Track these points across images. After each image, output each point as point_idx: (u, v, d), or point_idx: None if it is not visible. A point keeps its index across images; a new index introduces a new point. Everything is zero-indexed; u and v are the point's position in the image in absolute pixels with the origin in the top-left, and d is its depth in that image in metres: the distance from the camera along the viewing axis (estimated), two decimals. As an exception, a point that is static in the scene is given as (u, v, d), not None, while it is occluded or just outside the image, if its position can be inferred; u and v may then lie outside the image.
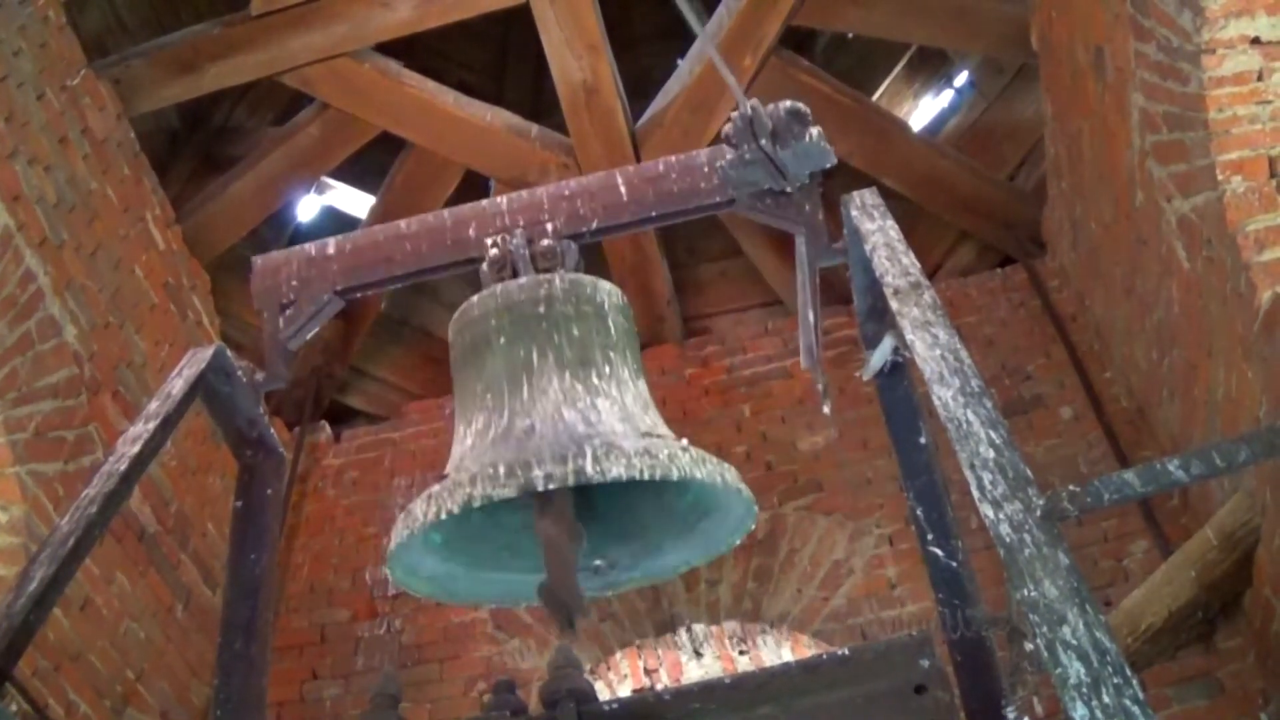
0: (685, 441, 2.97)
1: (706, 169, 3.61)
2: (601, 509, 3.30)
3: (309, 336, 3.75)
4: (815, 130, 3.45)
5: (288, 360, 3.63)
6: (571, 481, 2.73)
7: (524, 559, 3.20)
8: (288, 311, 3.68)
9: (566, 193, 3.69)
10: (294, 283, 3.71)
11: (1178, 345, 6.49)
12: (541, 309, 3.31)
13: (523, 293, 3.36)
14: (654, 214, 3.65)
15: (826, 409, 4.24)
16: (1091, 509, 2.23)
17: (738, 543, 3.28)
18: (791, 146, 3.43)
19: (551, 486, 2.73)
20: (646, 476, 2.76)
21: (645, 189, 3.66)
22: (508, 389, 3.17)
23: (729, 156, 3.53)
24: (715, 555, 3.34)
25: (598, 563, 3.31)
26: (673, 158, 3.72)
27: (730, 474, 2.94)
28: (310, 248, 3.80)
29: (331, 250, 3.77)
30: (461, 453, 3.16)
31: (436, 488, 2.84)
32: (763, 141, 3.42)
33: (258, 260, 3.81)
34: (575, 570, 2.94)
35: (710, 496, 3.13)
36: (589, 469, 2.73)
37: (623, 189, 3.67)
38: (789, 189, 3.48)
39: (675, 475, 2.80)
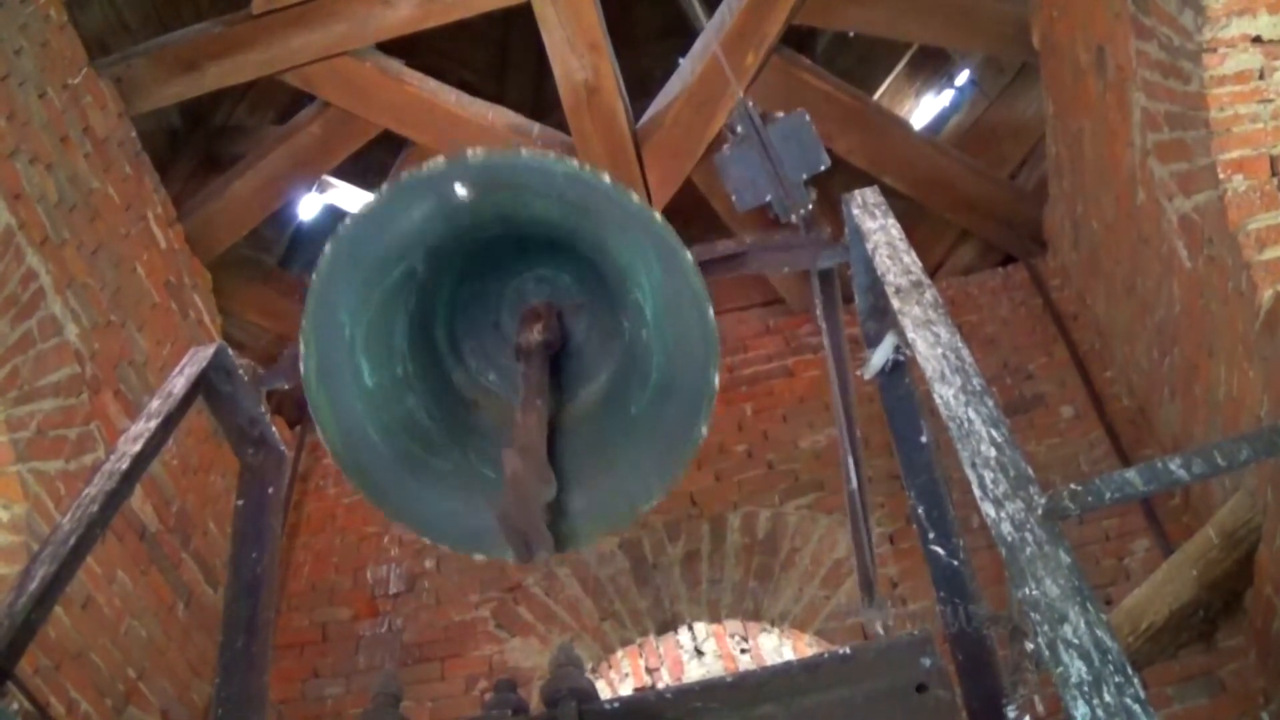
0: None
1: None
2: (568, 447, 3.32)
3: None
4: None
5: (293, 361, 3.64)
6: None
7: (487, 495, 3.19)
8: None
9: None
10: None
11: (1179, 344, 6.49)
12: None
13: None
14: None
15: (880, 628, 4.15)
16: (1093, 508, 2.23)
17: (705, 432, 3.20)
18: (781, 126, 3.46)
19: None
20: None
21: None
22: None
23: (725, 149, 3.56)
24: (687, 457, 3.29)
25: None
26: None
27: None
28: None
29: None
30: None
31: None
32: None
33: None
34: (538, 502, 2.94)
35: (672, 371, 3.14)
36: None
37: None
38: (794, 219, 3.50)
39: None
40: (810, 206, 3.52)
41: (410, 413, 3.33)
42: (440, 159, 3.01)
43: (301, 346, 3.11)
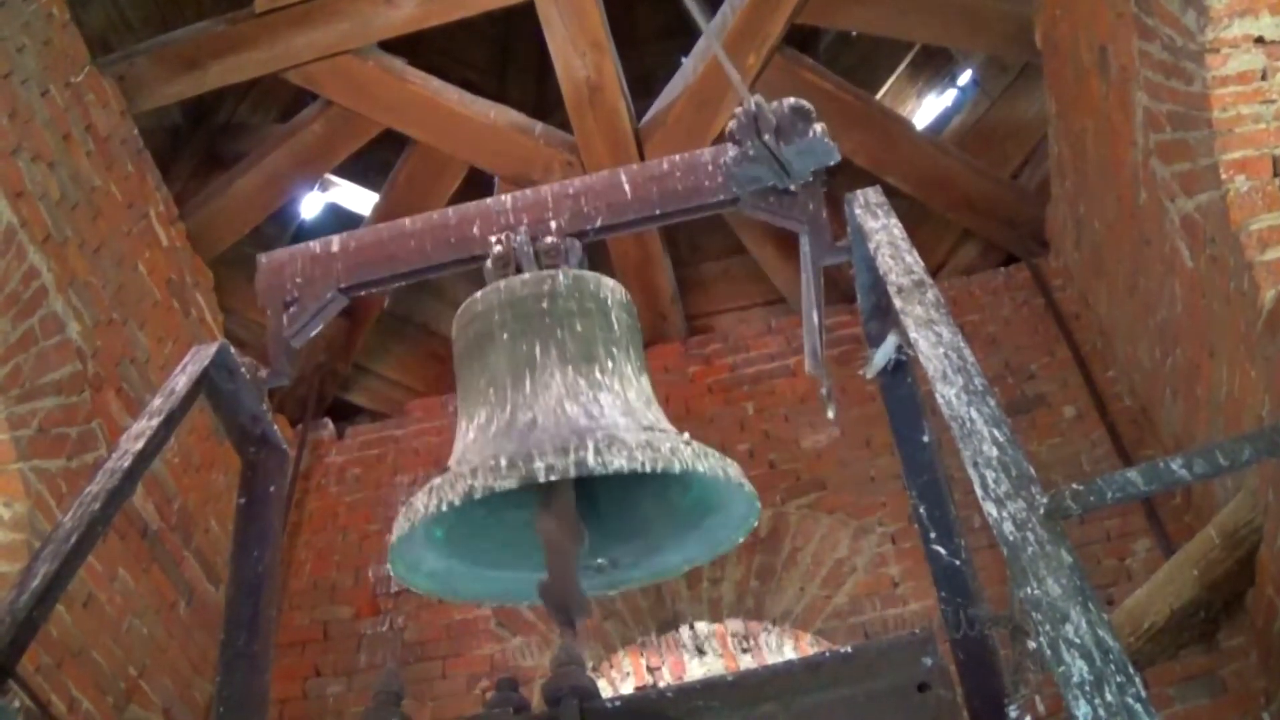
0: (687, 435, 2.96)
1: (710, 167, 3.61)
2: (604, 507, 3.31)
3: (312, 334, 3.75)
4: (819, 127, 3.45)
5: (291, 357, 3.64)
6: (573, 473, 2.73)
7: (526, 557, 3.19)
8: (292, 309, 3.68)
9: (570, 191, 3.70)
10: (298, 280, 3.72)
11: (1181, 344, 6.49)
12: (545, 304, 3.32)
13: (526, 288, 3.37)
14: (658, 212, 3.65)
15: (831, 413, 4.20)
16: (1094, 507, 2.23)
17: (740, 541, 3.27)
18: (795, 143, 3.42)
19: (553, 478, 2.73)
20: (648, 469, 2.75)
21: (649, 188, 3.66)
22: (510, 383, 3.17)
23: (732, 153, 3.53)
24: (718, 553, 3.34)
25: (600, 561, 3.30)
26: (677, 156, 3.72)
27: (733, 469, 2.93)
28: (315, 245, 3.81)
29: (336, 248, 3.77)
30: (464, 446, 3.16)
31: (438, 480, 2.84)
32: (766, 137, 3.42)
33: (263, 258, 3.82)
34: (576, 570, 2.94)
35: (713, 493, 3.13)
36: (590, 460, 2.73)
37: (627, 188, 3.67)
38: (792, 187, 3.48)
39: (677, 468, 2.79)
40: (811, 180, 3.51)
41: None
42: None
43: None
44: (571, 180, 3.76)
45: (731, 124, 3.50)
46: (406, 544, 2.99)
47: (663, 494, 3.26)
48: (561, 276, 3.39)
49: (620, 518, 3.33)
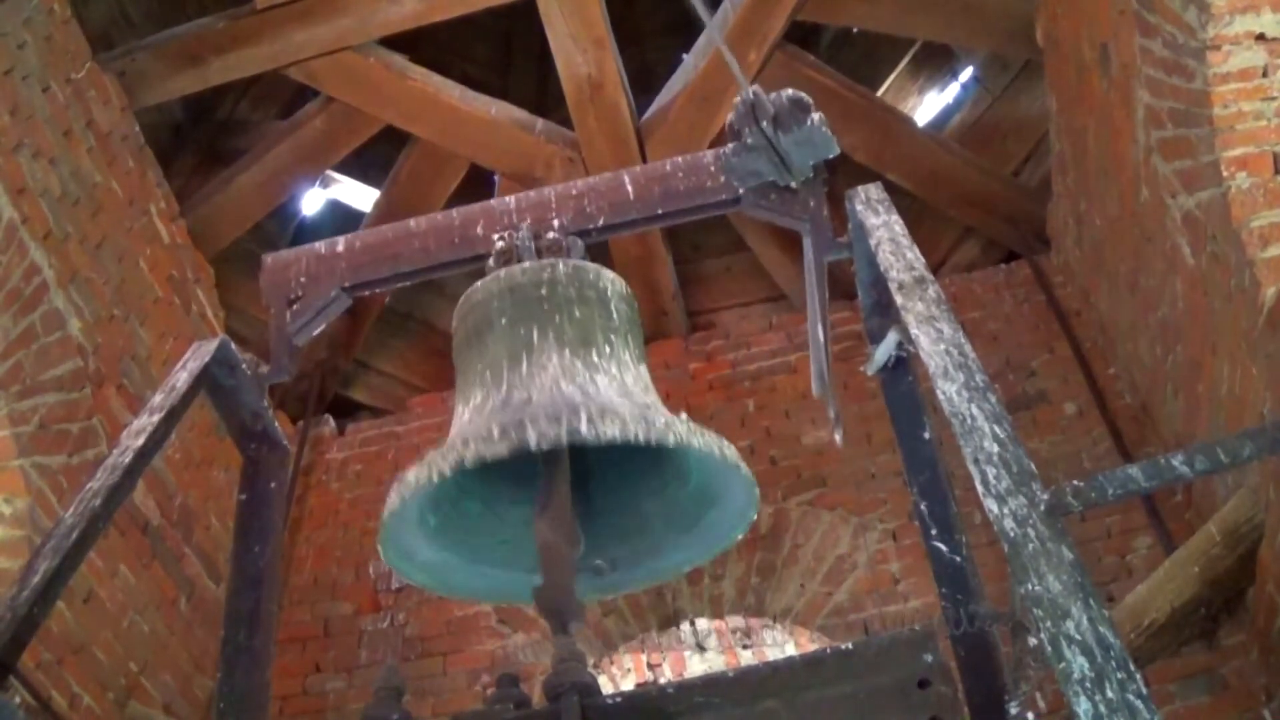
0: (684, 414, 2.96)
1: (713, 168, 3.61)
2: (602, 506, 3.31)
3: (315, 332, 3.76)
4: (817, 116, 3.45)
5: (293, 354, 3.63)
6: (565, 440, 2.73)
7: (523, 556, 3.19)
8: (295, 307, 3.68)
9: (574, 192, 3.70)
10: (303, 279, 3.72)
11: (1182, 341, 6.49)
12: (544, 291, 3.32)
13: (526, 275, 3.38)
14: (660, 213, 3.66)
15: (838, 437, 4.16)
16: (1095, 504, 2.23)
17: (740, 536, 3.27)
18: (793, 133, 3.42)
19: (545, 446, 2.73)
20: (641, 440, 2.75)
21: (652, 188, 3.66)
22: (507, 366, 3.17)
23: (732, 146, 3.54)
24: (718, 550, 3.33)
25: (598, 563, 3.29)
26: (679, 157, 3.72)
27: (729, 450, 2.93)
28: (320, 245, 3.81)
29: (340, 248, 3.78)
30: (459, 426, 3.16)
31: (430, 453, 2.84)
32: (764, 124, 3.42)
33: (268, 257, 3.83)
34: (572, 575, 2.94)
35: (711, 482, 3.13)
36: (584, 429, 2.72)
37: (629, 188, 3.68)
38: (793, 183, 3.48)
39: (671, 441, 2.79)
40: (812, 175, 3.51)
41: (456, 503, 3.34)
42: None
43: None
44: (574, 181, 3.78)
45: (730, 115, 3.50)
46: (398, 526, 2.99)
47: (661, 489, 3.26)
48: (562, 266, 3.39)
49: (619, 517, 3.33)
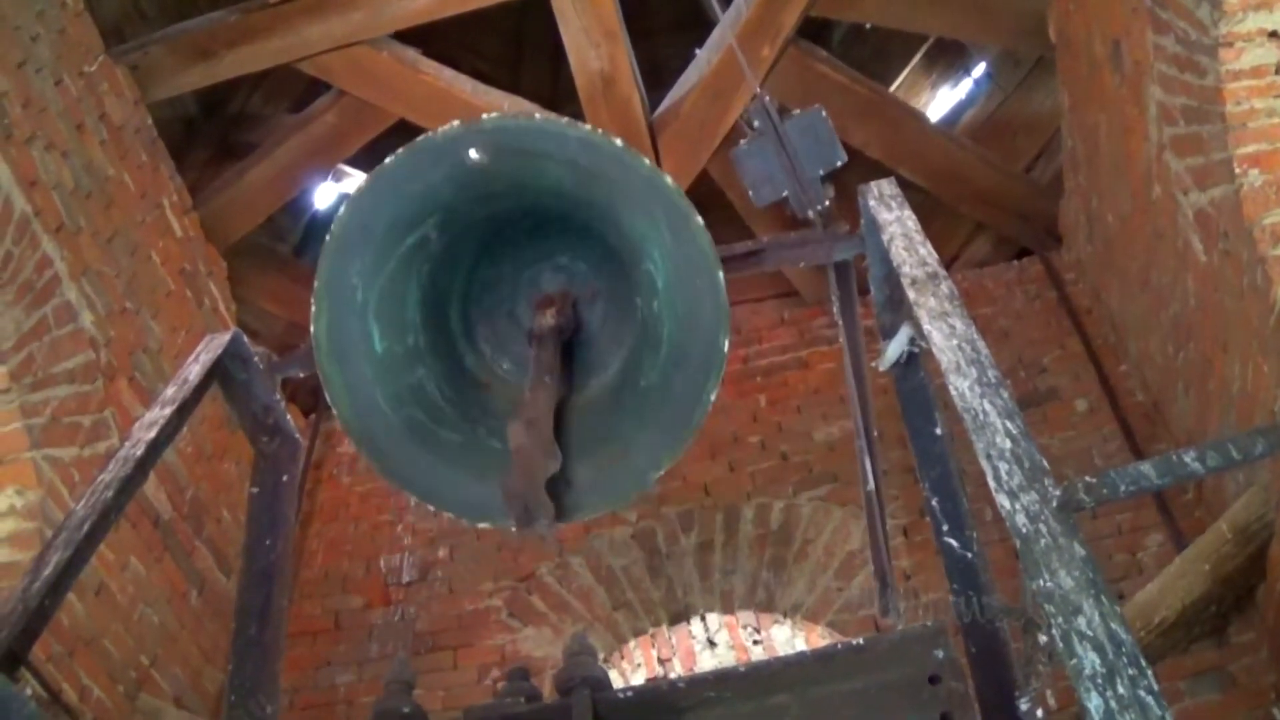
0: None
1: None
2: (578, 420, 3.32)
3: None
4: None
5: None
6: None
7: (494, 467, 3.18)
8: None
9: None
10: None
11: (1193, 339, 6.48)
12: None
13: None
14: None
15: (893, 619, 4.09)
16: (1107, 500, 2.23)
17: (713, 395, 3.14)
18: (795, 118, 3.45)
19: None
20: None
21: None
22: None
23: (742, 144, 3.56)
24: (696, 419, 3.26)
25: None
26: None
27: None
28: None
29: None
30: None
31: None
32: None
33: None
34: (543, 476, 2.94)
35: (682, 341, 3.14)
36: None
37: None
38: (811, 215, 3.51)
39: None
40: (827, 203, 3.52)
41: (420, 384, 3.32)
42: (455, 123, 3.01)
43: (313, 305, 3.10)
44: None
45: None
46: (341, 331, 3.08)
47: (637, 368, 3.27)
48: None
49: (592, 428, 3.32)
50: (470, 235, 3.34)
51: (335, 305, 3.12)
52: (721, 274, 3.00)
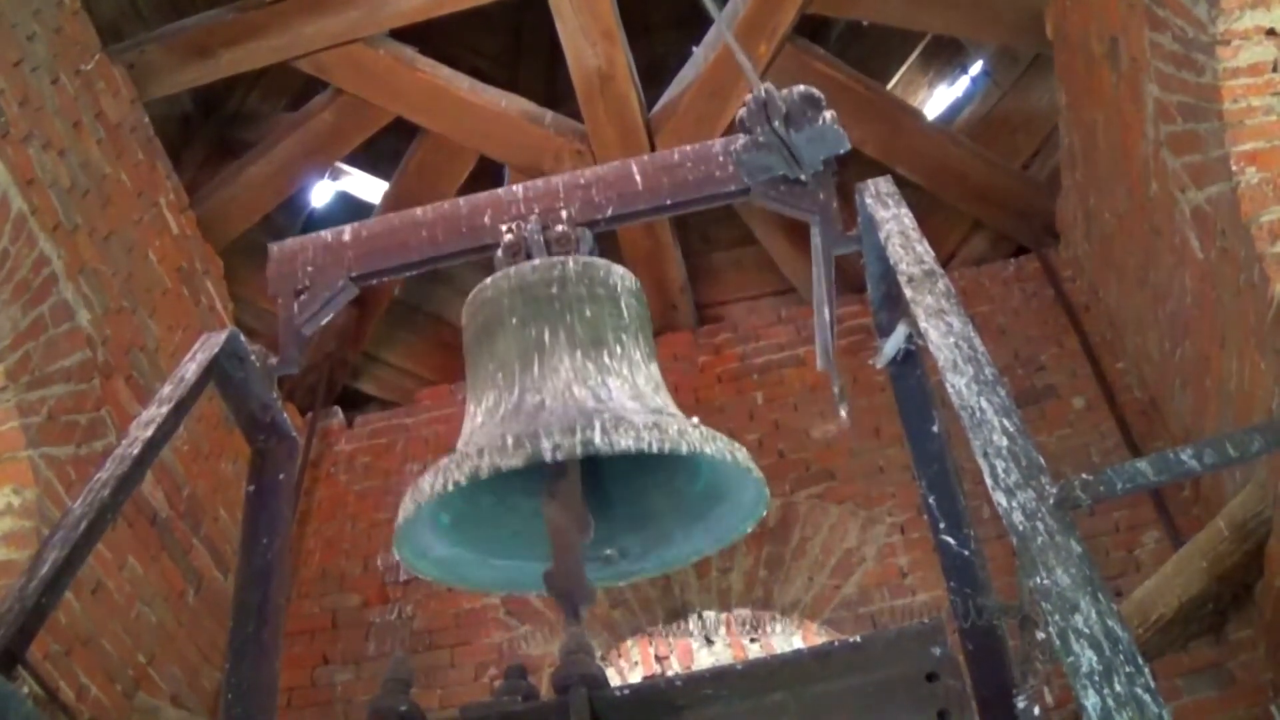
0: (696, 420, 2.96)
1: (721, 158, 3.61)
2: (613, 496, 3.31)
3: (323, 322, 3.76)
4: (829, 114, 3.44)
5: (301, 345, 3.64)
6: (579, 452, 2.74)
7: (534, 546, 3.19)
8: (302, 297, 3.69)
9: (582, 181, 3.70)
10: (309, 269, 3.72)
11: (1190, 336, 6.48)
12: (554, 290, 3.33)
13: (536, 274, 3.38)
14: (669, 202, 3.66)
15: (843, 412, 4.19)
16: (1104, 498, 2.22)
17: (749, 530, 3.28)
18: (805, 130, 3.42)
19: (559, 457, 2.74)
20: (655, 449, 2.76)
21: (660, 178, 3.66)
22: (519, 367, 3.18)
23: (743, 141, 3.53)
24: (727, 542, 3.34)
25: (608, 552, 3.30)
26: (688, 147, 3.72)
27: (740, 453, 2.94)
28: (326, 234, 3.82)
29: (347, 237, 3.78)
30: (471, 429, 3.17)
31: (445, 460, 2.84)
32: (776, 124, 3.41)
33: (274, 247, 3.83)
34: (581, 558, 2.95)
35: (722, 480, 3.13)
36: (597, 440, 2.73)
37: (638, 178, 3.68)
38: (803, 177, 3.48)
39: (684, 449, 2.80)
40: (821, 169, 3.50)
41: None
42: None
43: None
44: (582, 170, 3.78)
45: (741, 112, 3.49)
46: (412, 527, 3.00)
47: (671, 482, 3.26)
48: (572, 263, 3.40)
49: (629, 508, 3.33)
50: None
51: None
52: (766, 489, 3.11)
